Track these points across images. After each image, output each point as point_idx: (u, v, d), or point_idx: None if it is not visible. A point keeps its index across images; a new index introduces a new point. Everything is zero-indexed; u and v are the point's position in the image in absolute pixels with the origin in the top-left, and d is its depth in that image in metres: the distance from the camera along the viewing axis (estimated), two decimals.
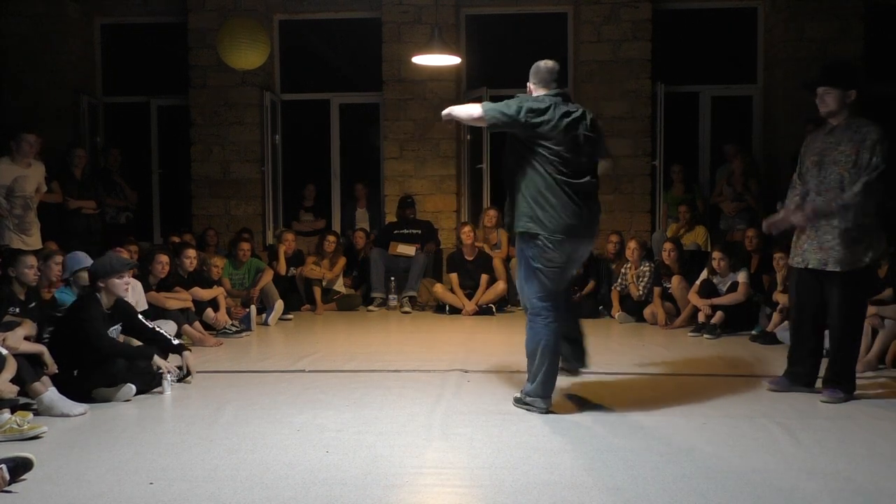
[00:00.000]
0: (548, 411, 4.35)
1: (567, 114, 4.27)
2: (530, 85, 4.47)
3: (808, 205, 4.57)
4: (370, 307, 8.90)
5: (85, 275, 5.41)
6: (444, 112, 4.45)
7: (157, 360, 4.93)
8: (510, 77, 9.97)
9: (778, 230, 4.80)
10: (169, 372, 4.97)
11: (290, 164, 10.35)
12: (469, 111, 4.34)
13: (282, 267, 8.61)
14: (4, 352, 4.28)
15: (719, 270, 7.29)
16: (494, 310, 8.50)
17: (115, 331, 5.02)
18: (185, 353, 5.24)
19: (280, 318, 8.00)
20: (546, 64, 4.42)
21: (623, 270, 8.17)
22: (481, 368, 5.59)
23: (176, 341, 5.30)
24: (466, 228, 8.73)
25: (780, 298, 6.74)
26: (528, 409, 4.40)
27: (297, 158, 10.55)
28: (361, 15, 9.92)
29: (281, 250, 8.73)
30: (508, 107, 4.22)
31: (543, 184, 4.24)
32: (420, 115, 9.66)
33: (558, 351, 4.44)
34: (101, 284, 4.95)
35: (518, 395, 4.54)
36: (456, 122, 9.58)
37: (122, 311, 5.10)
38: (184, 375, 5.20)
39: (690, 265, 7.82)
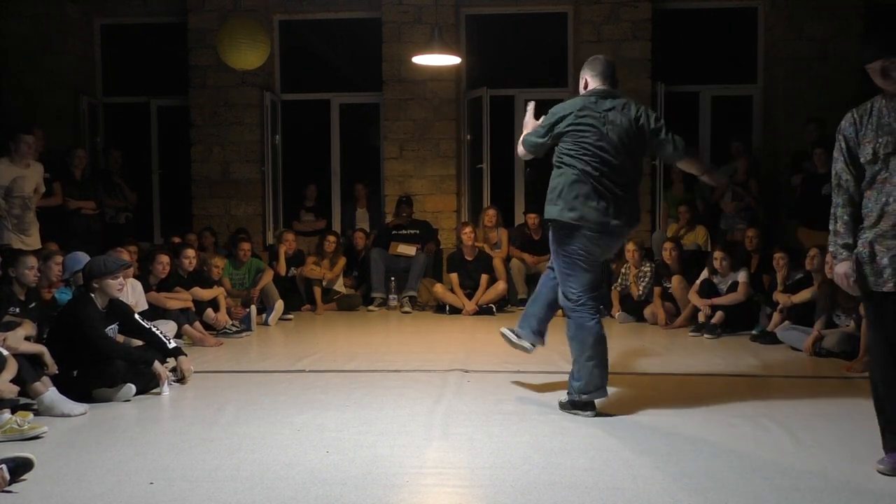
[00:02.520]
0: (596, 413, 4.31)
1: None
2: (586, 76, 4.42)
3: None
4: (370, 307, 8.90)
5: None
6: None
7: (157, 366, 4.91)
8: (510, 77, 10.04)
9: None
10: (167, 380, 4.96)
11: (291, 164, 10.35)
12: (518, 150, 4.61)
13: (282, 267, 8.61)
14: (5, 352, 4.28)
15: (721, 270, 7.29)
16: (495, 310, 8.49)
17: (111, 330, 5.02)
18: (181, 357, 5.20)
19: (280, 318, 8.00)
20: (598, 58, 4.45)
21: (623, 270, 8.17)
22: (481, 368, 5.59)
23: (172, 344, 5.26)
24: (467, 229, 8.72)
25: (781, 298, 6.74)
26: (575, 412, 4.30)
27: (297, 158, 10.55)
28: (361, 15, 9.92)
29: (281, 250, 8.73)
30: (537, 131, 4.41)
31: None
32: (420, 115, 9.66)
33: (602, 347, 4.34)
34: (95, 285, 4.94)
35: (563, 399, 4.41)
36: (457, 121, 9.74)
37: (118, 310, 5.09)
38: (178, 379, 5.18)
39: (690, 265, 7.82)
